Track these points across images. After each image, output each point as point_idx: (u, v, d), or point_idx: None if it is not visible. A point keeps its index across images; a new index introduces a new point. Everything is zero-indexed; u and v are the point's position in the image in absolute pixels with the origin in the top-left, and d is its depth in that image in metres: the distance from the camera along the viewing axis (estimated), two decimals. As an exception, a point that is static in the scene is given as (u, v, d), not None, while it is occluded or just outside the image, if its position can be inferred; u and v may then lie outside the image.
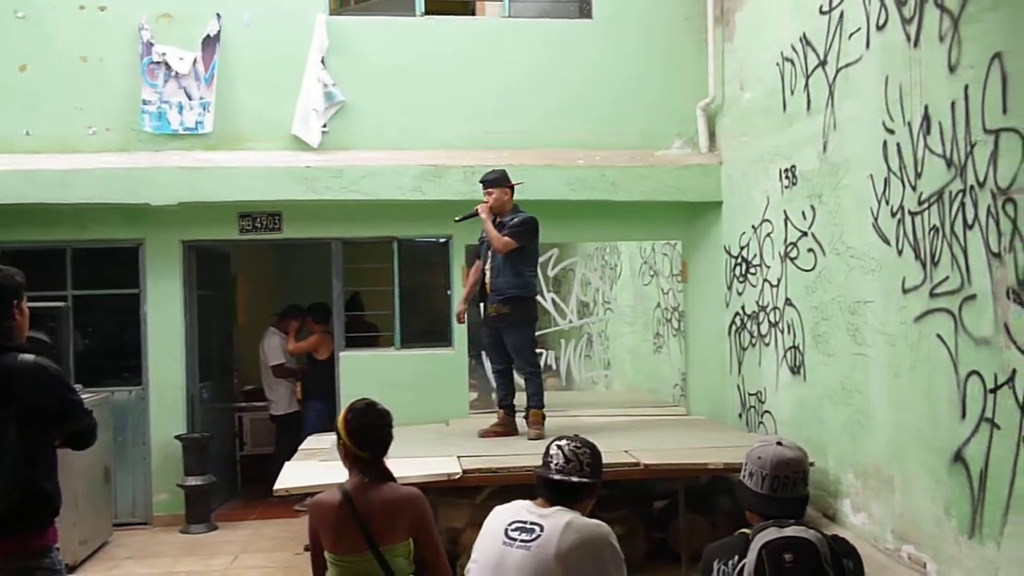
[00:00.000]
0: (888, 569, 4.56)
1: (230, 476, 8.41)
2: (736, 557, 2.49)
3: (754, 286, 6.66)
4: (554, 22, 7.59)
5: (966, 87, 4.02)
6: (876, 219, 4.83)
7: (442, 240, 7.62)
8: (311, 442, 6.56)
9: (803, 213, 5.77)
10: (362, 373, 7.27)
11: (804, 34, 5.68)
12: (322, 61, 7.05)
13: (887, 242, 4.73)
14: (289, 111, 7.02)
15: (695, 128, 7.44)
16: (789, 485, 2.61)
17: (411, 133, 7.23)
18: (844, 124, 5.23)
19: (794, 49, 5.84)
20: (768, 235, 6.35)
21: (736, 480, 2.78)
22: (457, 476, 5.20)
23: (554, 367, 8.52)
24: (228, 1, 7.11)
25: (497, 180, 6.22)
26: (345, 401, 7.00)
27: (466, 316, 6.59)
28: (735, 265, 7.04)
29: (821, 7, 5.44)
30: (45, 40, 6.98)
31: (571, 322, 8.56)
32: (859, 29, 4.99)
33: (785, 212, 6.05)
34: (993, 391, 3.86)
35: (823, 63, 5.45)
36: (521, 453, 5.58)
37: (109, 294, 7.48)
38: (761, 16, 6.51)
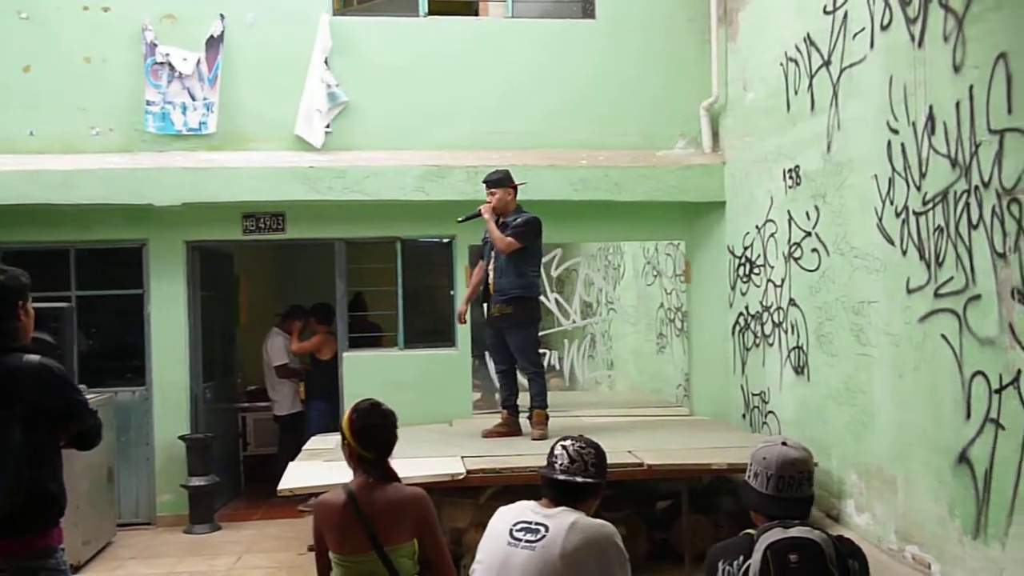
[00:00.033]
0: (892, 570, 4.55)
1: (233, 476, 8.42)
2: (741, 558, 2.49)
3: (758, 286, 6.66)
4: (557, 22, 7.59)
5: (971, 87, 4.01)
6: (880, 219, 4.82)
7: (445, 240, 7.62)
8: (315, 442, 6.56)
9: (807, 213, 5.77)
10: (365, 373, 7.27)
11: (808, 34, 5.68)
12: (325, 61, 7.05)
13: (891, 242, 4.72)
14: (292, 111, 7.02)
15: (698, 128, 7.44)
16: (794, 485, 2.60)
17: (414, 133, 7.23)
18: (848, 124, 5.23)
19: (798, 49, 5.83)
20: (772, 235, 6.35)
21: (741, 480, 2.77)
22: (461, 476, 5.20)
23: (557, 367, 8.52)
24: (232, 2, 7.12)
25: (500, 180, 6.22)
26: (348, 401, 7.03)
27: (468, 316, 6.59)
28: (739, 265, 7.03)
29: (825, 7, 5.43)
30: (49, 41, 6.99)
31: (574, 322, 8.57)
32: (863, 29, 4.99)
33: (789, 212, 6.05)
34: (998, 391, 3.85)
35: (827, 63, 5.44)
36: (525, 453, 5.58)
37: (113, 294, 7.49)
38: (764, 16, 6.51)
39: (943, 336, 4.24)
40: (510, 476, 5.29)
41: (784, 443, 2.67)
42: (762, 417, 6.60)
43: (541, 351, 6.75)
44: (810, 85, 5.69)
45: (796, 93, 5.91)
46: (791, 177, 6.00)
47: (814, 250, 5.69)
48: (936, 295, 4.32)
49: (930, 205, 4.36)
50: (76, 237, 7.29)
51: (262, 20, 7.17)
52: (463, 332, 7.38)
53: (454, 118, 7.27)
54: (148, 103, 6.96)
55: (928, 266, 4.38)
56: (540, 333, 6.64)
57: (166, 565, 6.30)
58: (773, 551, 2.41)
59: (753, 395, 6.79)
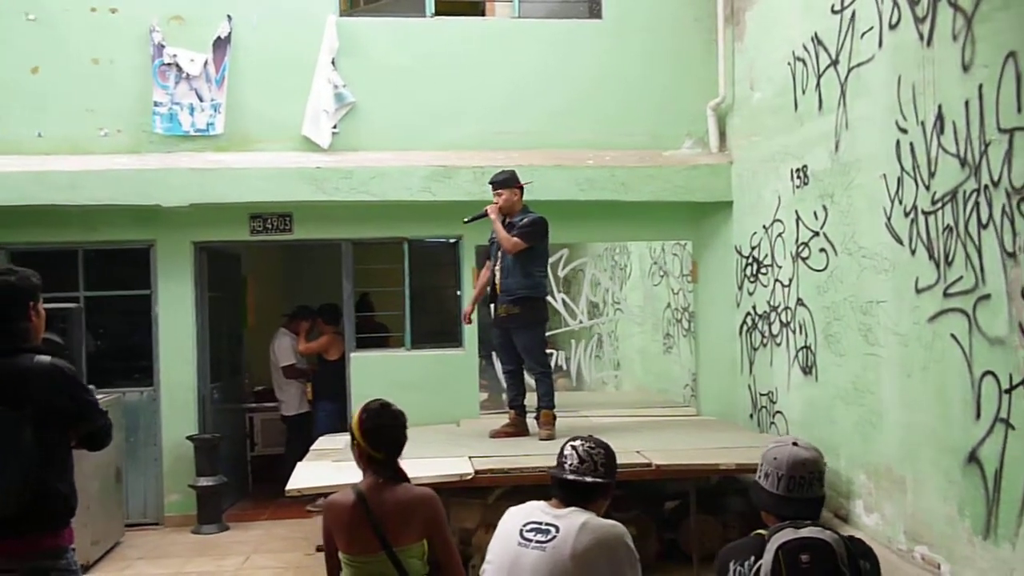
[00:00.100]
0: (901, 570, 4.54)
1: (241, 477, 8.43)
2: (752, 558, 2.49)
3: (765, 286, 6.65)
4: (564, 22, 7.59)
5: (980, 86, 4.00)
6: (889, 219, 4.81)
7: (452, 241, 7.63)
8: (322, 443, 6.57)
9: (815, 213, 5.76)
10: (372, 374, 7.27)
11: (816, 33, 5.67)
12: (332, 62, 7.06)
13: (900, 242, 4.71)
14: (299, 112, 7.04)
15: (705, 128, 7.44)
16: (805, 486, 2.60)
17: (420, 134, 7.24)
18: (856, 124, 5.22)
19: (805, 48, 5.82)
20: (779, 235, 6.34)
21: (751, 481, 2.77)
22: (469, 477, 5.20)
23: (564, 368, 8.53)
24: (239, 3, 7.13)
25: (506, 181, 6.22)
26: (355, 402, 7.06)
27: (473, 317, 6.59)
28: (746, 265, 7.02)
29: (833, 6, 5.42)
30: (56, 42, 7.01)
31: (581, 322, 8.57)
32: (871, 28, 4.98)
33: (796, 212, 6.04)
34: (1008, 391, 3.84)
35: (835, 62, 5.43)
36: (532, 453, 5.59)
37: (121, 295, 7.52)
38: (772, 16, 6.50)
39: (952, 336, 4.23)
40: (518, 476, 5.29)
41: (795, 443, 2.67)
42: (770, 417, 6.59)
43: (548, 351, 6.74)
44: (818, 84, 5.68)
45: (804, 92, 5.90)
46: (799, 177, 5.99)
47: (822, 250, 5.68)
48: (945, 295, 4.30)
49: (939, 204, 4.35)
50: (84, 238, 7.31)
51: (269, 21, 7.18)
52: (470, 332, 7.39)
53: (461, 118, 7.28)
54: (156, 104, 6.97)
55: (937, 266, 4.37)
56: (547, 333, 6.64)
57: (174, 565, 6.31)
58: (785, 551, 2.41)
59: (761, 395, 6.78)
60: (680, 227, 7.75)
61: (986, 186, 3.99)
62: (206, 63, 7.00)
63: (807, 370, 5.95)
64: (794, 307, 6.13)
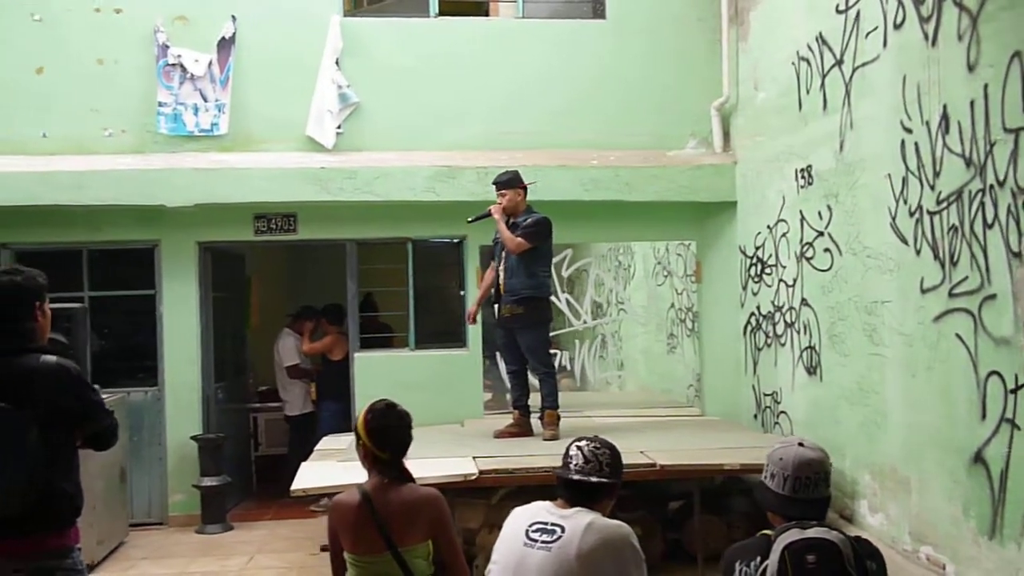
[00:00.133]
0: (906, 571, 4.54)
1: (245, 476, 8.44)
2: (758, 558, 2.48)
3: (769, 286, 6.64)
4: (568, 23, 7.59)
5: (985, 86, 4.00)
6: (894, 219, 4.80)
7: (456, 241, 7.63)
8: (326, 443, 6.58)
9: (819, 213, 5.75)
10: (376, 374, 7.28)
11: (820, 33, 5.66)
12: (336, 62, 7.06)
13: (905, 242, 4.71)
14: (303, 112, 7.04)
15: (709, 128, 7.43)
16: (811, 486, 2.60)
17: (424, 134, 7.24)
18: (861, 123, 5.21)
19: (810, 48, 5.82)
20: (784, 235, 6.34)
21: (757, 481, 2.76)
22: (473, 477, 5.20)
23: (568, 368, 8.52)
24: (243, 3, 7.14)
25: (510, 181, 6.22)
26: (360, 402, 7.08)
27: (478, 317, 6.59)
28: (750, 265, 7.01)
29: (837, 6, 5.42)
30: (61, 42, 7.02)
31: (585, 323, 8.56)
32: (876, 28, 4.97)
33: (801, 212, 6.03)
34: (1014, 391, 3.83)
35: (839, 62, 5.43)
36: (537, 454, 5.59)
37: (125, 295, 7.52)
38: (776, 16, 6.49)
39: (958, 336, 4.22)
40: (523, 476, 5.29)
41: (801, 444, 2.67)
42: (774, 417, 6.59)
43: (552, 351, 6.74)
44: (822, 84, 5.67)
45: (808, 92, 5.90)
46: (803, 177, 5.99)
47: (826, 250, 5.67)
48: (951, 295, 4.30)
49: (944, 204, 4.35)
50: (88, 238, 7.32)
51: (273, 21, 7.18)
52: (474, 332, 7.39)
53: (465, 118, 7.28)
54: (160, 104, 6.98)
55: (942, 266, 4.37)
56: (551, 333, 6.64)
57: (178, 565, 6.32)
58: (791, 552, 2.41)
59: (765, 395, 6.77)
60: (684, 227, 7.75)
61: (991, 186, 3.98)
62: (210, 63, 7.01)
63: (811, 370, 5.94)
64: (798, 307, 6.12)
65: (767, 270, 6.69)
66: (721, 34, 7.33)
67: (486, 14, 7.94)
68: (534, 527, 2.89)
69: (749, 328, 7.08)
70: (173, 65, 6.98)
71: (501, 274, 6.26)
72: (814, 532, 2.46)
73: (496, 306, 6.36)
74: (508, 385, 6.64)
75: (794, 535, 2.45)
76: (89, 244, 7.36)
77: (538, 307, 6.24)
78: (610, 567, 2.80)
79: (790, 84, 6.14)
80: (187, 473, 7.22)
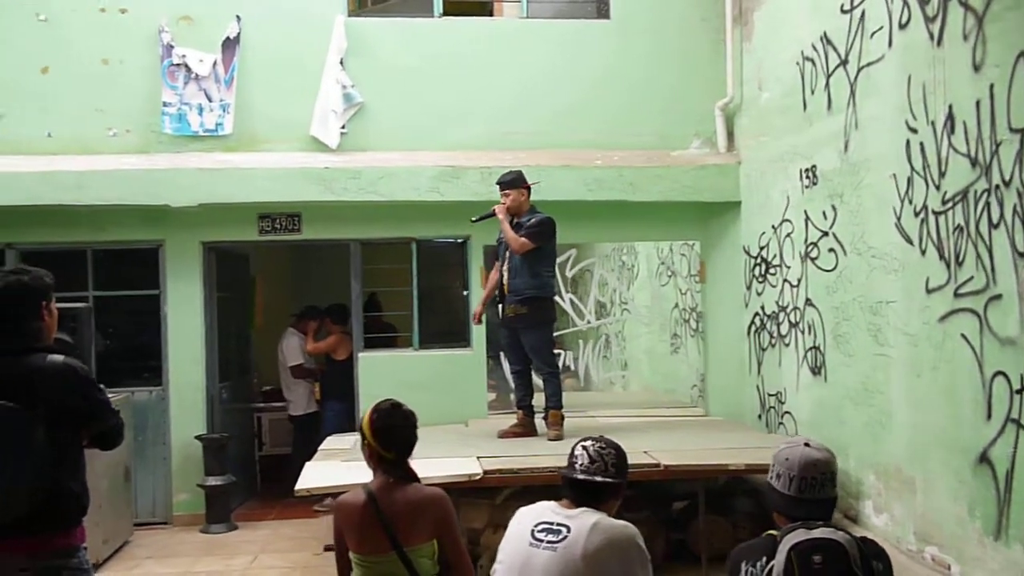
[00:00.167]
0: (911, 571, 4.53)
1: (249, 476, 8.45)
2: (764, 559, 2.48)
3: (774, 286, 6.64)
4: (572, 23, 7.59)
5: (991, 86, 3.99)
6: (899, 219, 4.80)
7: (460, 241, 7.63)
8: (331, 442, 6.58)
9: (824, 213, 5.75)
10: (380, 374, 7.28)
11: (825, 33, 5.66)
12: (341, 62, 7.07)
13: (910, 242, 4.70)
14: (308, 112, 7.05)
15: (713, 128, 7.42)
16: (817, 486, 2.59)
17: (429, 134, 7.24)
18: (866, 123, 5.21)
19: (814, 48, 5.81)
20: (788, 235, 6.33)
21: (763, 482, 2.76)
22: (478, 477, 5.20)
23: (572, 368, 8.52)
24: (248, 3, 7.15)
25: (513, 181, 6.22)
26: (364, 402, 7.08)
27: (483, 317, 6.59)
28: (754, 265, 7.01)
29: (842, 6, 5.41)
30: (66, 42, 7.03)
31: (589, 323, 8.57)
32: (881, 28, 4.97)
33: (805, 212, 6.03)
34: (1020, 392, 3.83)
35: (844, 62, 5.42)
36: (541, 454, 5.59)
37: (129, 295, 7.53)
38: (780, 16, 6.49)
39: (963, 336, 4.22)
40: (527, 477, 5.29)
41: (807, 444, 2.67)
42: (778, 417, 6.58)
43: (556, 351, 6.74)
44: (827, 84, 5.66)
45: (813, 92, 5.89)
46: (807, 177, 5.98)
47: (831, 250, 5.67)
48: (956, 295, 4.29)
49: (950, 204, 4.34)
50: (93, 238, 7.33)
51: (277, 22, 7.19)
52: (478, 332, 7.39)
53: (469, 119, 7.28)
54: (165, 104, 6.99)
55: (948, 266, 4.36)
56: (555, 334, 6.64)
57: (183, 564, 6.33)
58: (797, 552, 2.41)
59: (769, 395, 6.77)
60: (688, 227, 7.74)
61: (997, 186, 3.97)
62: (215, 63, 7.02)
63: (816, 370, 5.94)
64: (803, 307, 6.12)
65: (771, 270, 6.68)
66: (725, 34, 7.32)
67: (490, 14, 7.95)
68: (540, 527, 2.89)
69: (753, 328, 7.08)
70: (178, 65, 6.99)
71: (505, 274, 6.26)
72: (820, 532, 2.46)
73: (500, 306, 6.36)
74: (512, 385, 6.64)
75: (800, 535, 2.45)
76: (94, 244, 7.37)
77: (542, 307, 6.24)
78: (616, 567, 2.80)
79: (794, 84, 6.14)
80: (191, 473, 7.23)
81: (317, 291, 9.28)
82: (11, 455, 2.83)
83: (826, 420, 5.79)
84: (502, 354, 7.23)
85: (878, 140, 5.05)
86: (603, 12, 7.62)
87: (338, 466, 5.45)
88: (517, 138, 7.28)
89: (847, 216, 5.46)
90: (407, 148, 7.17)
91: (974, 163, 4.14)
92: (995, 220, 3.99)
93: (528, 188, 6.26)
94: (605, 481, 2.96)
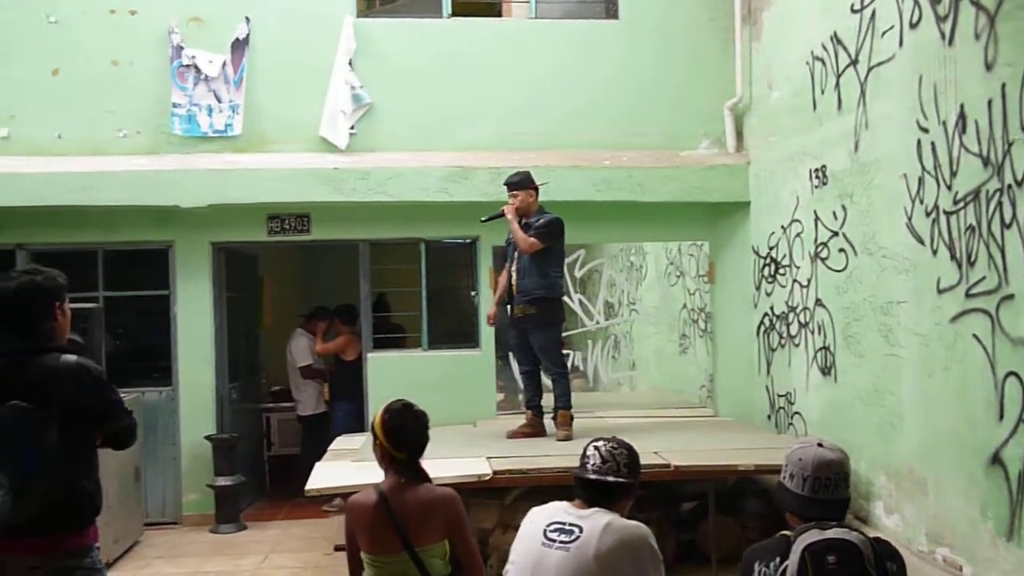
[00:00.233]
0: (923, 572, 4.51)
1: (258, 476, 8.47)
2: (778, 559, 2.48)
3: (783, 286, 6.62)
4: (580, 23, 7.59)
5: (1003, 85, 3.98)
6: (910, 219, 4.78)
7: (469, 241, 7.63)
8: (340, 443, 6.59)
9: (834, 213, 5.73)
10: (389, 374, 7.29)
11: (835, 33, 5.65)
12: (349, 63, 7.08)
13: (921, 242, 4.69)
14: (317, 113, 7.06)
15: (722, 128, 7.41)
16: (830, 487, 2.59)
17: (437, 134, 7.25)
18: (876, 123, 5.19)
19: (824, 48, 5.80)
20: (798, 235, 6.32)
21: (776, 482, 2.76)
22: (488, 477, 5.21)
23: (581, 368, 8.52)
24: (257, 4, 7.16)
25: (522, 182, 6.22)
26: (373, 402, 7.10)
27: (497, 318, 6.59)
28: (764, 266, 6.99)
29: (852, 6, 5.40)
30: (76, 44, 7.05)
31: (597, 323, 8.56)
32: (892, 27, 4.95)
33: (815, 212, 6.02)
34: (1033, 392, 3.82)
35: (854, 62, 5.41)
36: (550, 454, 5.59)
37: (139, 295, 7.55)
38: (789, 15, 6.47)
39: (975, 336, 4.20)
40: (536, 477, 5.29)
41: (820, 444, 2.66)
42: (788, 418, 6.56)
43: (565, 352, 6.73)
44: (837, 84, 5.65)
45: (822, 92, 5.88)
46: (817, 177, 5.97)
47: (841, 250, 5.65)
48: (968, 295, 4.28)
49: (961, 204, 4.32)
50: (103, 238, 7.35)
51: (286, 23, 7.20)
52: (487, 333, 7.40)
53: (477, 119, 7.28)
54: (174, 105, 7.01)
55: (959, 266, 4.34)
56: (564, 334, 6.63)
57: (192, 564, 6.34)
58: (811, 552, 2.40)
59: (779, 396, 6.75)
60: (697, 227, 7.74)
61: (1009, 186, 3.96)
62: (224, 64, 7.04)
63: (826, 371, 5.92)
64: (813, 307, 6.10)
65: (781, 270, 6.67)
66: (734, 34, 7.31)
67: (499, 15, 7.96)
68: (552, 527, 2.90)
69: (763, 328, 7.06)
70: (187, 66, 7.01)
71: (513, 275, 6.26)
72: (834, 533, 2.45)
73: (509, 306, 6.36)
74: (521, 385, 6.65)
75: (814, 536, 2.44)
76: (104, 245, 7.39)
77: (550, 307, 6.24)
78: (628, 567, 2.80)
79: (804, 84, 6.12)
80: (201, 473, 7.24)
81: (326, 292, 9.30)
82: (25, 455, 2.84)
83: (836, 421, 5.77)
84: (511, 354, 7.23)
85: (889, 140, 5.03)
86: (612, 12, 7.61)
87: (348, 466, 5.45)
88: (526, 138, 7.28)
89: (857, 216, 5.44)
90: (416, 149, 7.17)
91: (986, 163, 4.13)
92: (1007, 220, 3.98)
93: (536, 188, 6.26)
94: (617, 481, 2.96)
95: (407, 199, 7.07)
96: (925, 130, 4.62)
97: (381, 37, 7.29)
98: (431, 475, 3.25)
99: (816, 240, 6.02)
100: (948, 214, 4.44)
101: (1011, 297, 3.96)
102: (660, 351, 9.36)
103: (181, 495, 7.38)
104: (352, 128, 7.11)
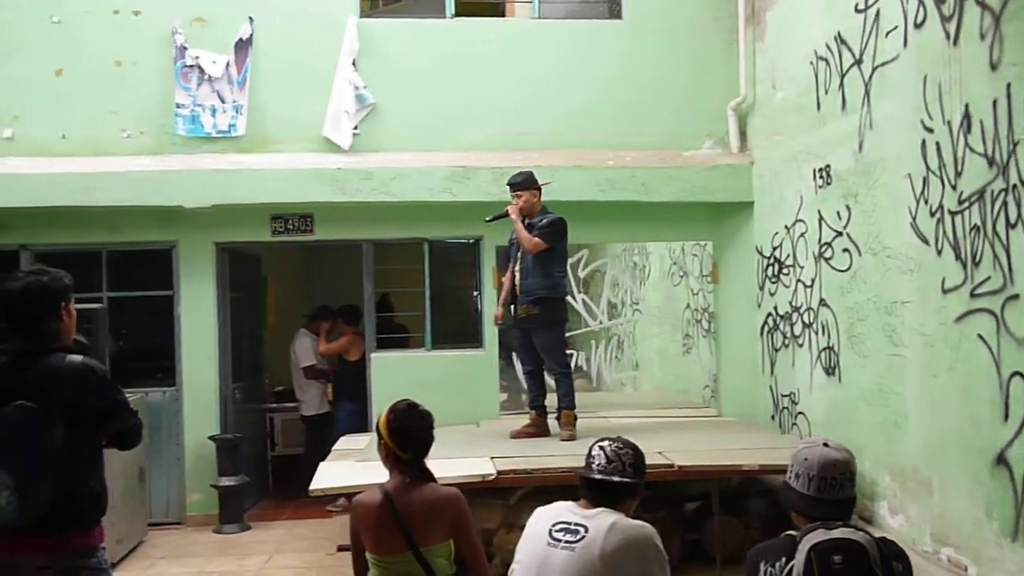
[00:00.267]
0: (927, 572, 4.50)
1: (262, 476, 8.47)
2: (784, 559, 2.47)
3: (787, 286, 6.62)
4: (583, 23, 7.59)
5: (1008, 85, 3.97)
6: (914, 219, 4.78)
7: (472, 241, 7.63)
8: (344, 443, 6.60)
9: (838, 213, 5.73)
10: (393, 374, 7.29)
11: (839, 33, 5.64)
12: (353, 63, 7.08)
13: (926, 242, 4.68)
14: (320, 113, 7.06)
15: (726, 128, 7.40)
16: (836, 487, 2.58)
17: (440, 134, 7.25)
18: (880, 123, 5.19)
19: (828, 48, 5.79)
20: (802, 235, 6.31)
21: (781, 482, 2.75)
22: (492, 477, 5.20)
23: (584, 368, 8.52)
24: (260, 5, 7.16)
25: (525, 182, 6.21)
26: (376, 402, 7.10)
27: (504, 319, 6.58)
28: (767, 266, 6.99)
29: (856, 5, 5.39)
30: (80, 45, 7.06)
31: (601, 323, 8.56)
32: (896, 27, 4.95)
33: (819, 212, 6.01)
34: (1038, 392, 3.81)
35: (858, 62, 5.41)
36: (554, 454, 5.59)
37: (143, 296, 7.56)
38: (793, 15, 6.47)
39: (980, 336, 4.20)
40: (540, 477, 5.29)
41: (825, 444, 2.65)
42: (792, 418, 6.56)
43: (568, 352, 6.73)
44: (841, 84, 5.65)
45: (827, 92, 5.87)
46: (821, 176, 5.97)
47: (845, 250, 5.65)
48: (972, 295, 4.27)
49: (966, 204, 4.32)
50: (107, 239, 7.36)
51: (290, 23, 7.21)
52: (490, 333, 7.40)
53: (480, 119, 7.28)
54: (178, 106, 7.02)
55: (964, 266, 4.34)
56: (567, 334, 6.63)
57: (196, 564, 6.35)
58: (817, 552, 2.40)
59: (782, 396, 6.75)
60: (701, 227, 7.73)
61: (1014, 185, 3.95)
62: (228, 65, 7.04)
63: (830, 371, 5.92)
64: (816, 307, 6.10)
65: (784, 270, 6.67)
66: (738, 34, 7.30)
67: (502, 15, 7.95)
68: (557, 527, 2.90)
69: (766, 328, 7.06)
70: (191, 67, 7.01)
71: (517, 275, 6.26)
72: (840, 532, 2.45)
73: (512, 306, 6.36)
74: (524, 385, 6.64)
75: (820, 536, 2.44)
76: (108, 245, 7.39)
77: (554, 307, 6.24)
78: (634, 567, 2.80)
79: (808, 84, 6.12)
80: (205, 473, 7.25)
81: (329, 292, 9.31)
82: (30, 455, 2.84)
83: (840, 421, 5.76)
84: (514, 354, 7.23)
85: (893, 140, 5.03)
86: (615, 12, 7.61)
87: (352, 466, 5.45)
88: (529, 138, 7.28)
89: (861, 216, 5.44)
90: (419, 149, 7.17)
91: (991, 163, 4.12)
92: (1012, 220, 3.97)
93: (539, 188, 6.26)
94: (622, 481, 2.96)
95: (410, 199, 7.07)
96: (930, 130, 4.61)
97: (384, 37, 7.29)
98: (436, 475, 3.25)
99: (820, 240, 6.02)
100: (953, 214, 4.43)
101: (1016, 297, 3.96)
102: (663, 351, 9.36)
103: (185, 495, 7.39)
104: (355, 128, 7.11)
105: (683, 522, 5.94)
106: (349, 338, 8.11)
